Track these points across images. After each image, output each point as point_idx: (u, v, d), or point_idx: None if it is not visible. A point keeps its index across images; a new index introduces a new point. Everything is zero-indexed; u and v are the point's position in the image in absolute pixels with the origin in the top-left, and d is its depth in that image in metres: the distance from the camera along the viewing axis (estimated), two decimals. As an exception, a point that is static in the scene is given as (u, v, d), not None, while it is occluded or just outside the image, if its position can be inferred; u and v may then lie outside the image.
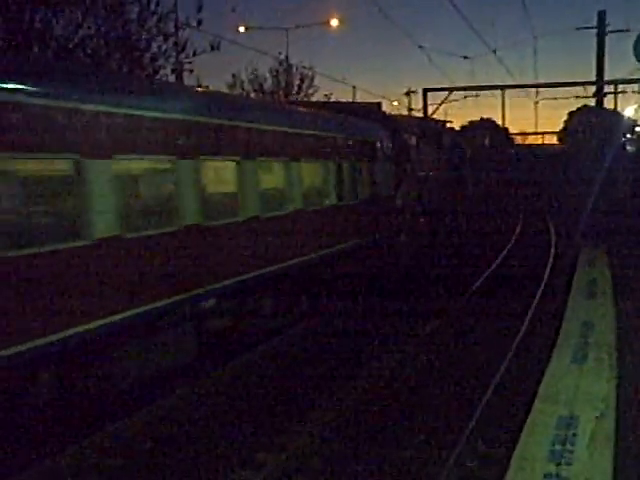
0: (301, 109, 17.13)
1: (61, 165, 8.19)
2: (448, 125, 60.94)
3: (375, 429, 9.42)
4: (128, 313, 8.92)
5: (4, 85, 7.43)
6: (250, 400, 10.62)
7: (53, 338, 7.77)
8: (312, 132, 15.16)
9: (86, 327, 8.23)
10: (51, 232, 7.98)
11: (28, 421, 8.16)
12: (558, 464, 6.70)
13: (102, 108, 8.66)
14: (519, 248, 29.39)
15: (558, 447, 7.08)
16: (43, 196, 8.00)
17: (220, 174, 11.77)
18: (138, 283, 9.15)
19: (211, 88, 25.95)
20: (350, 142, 17.46)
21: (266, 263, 12.62)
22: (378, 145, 19.30)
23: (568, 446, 7.10)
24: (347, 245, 16.74)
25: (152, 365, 9.76)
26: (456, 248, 27.17)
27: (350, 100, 46.15)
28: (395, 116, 28.61)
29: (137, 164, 9.56)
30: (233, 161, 11.76)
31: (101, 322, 8.45)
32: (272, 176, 13.48)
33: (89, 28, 19.31)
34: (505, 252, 27.76)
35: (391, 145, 20.39)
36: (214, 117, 11.22)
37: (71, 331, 8.02)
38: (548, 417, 7.87)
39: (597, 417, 7.84)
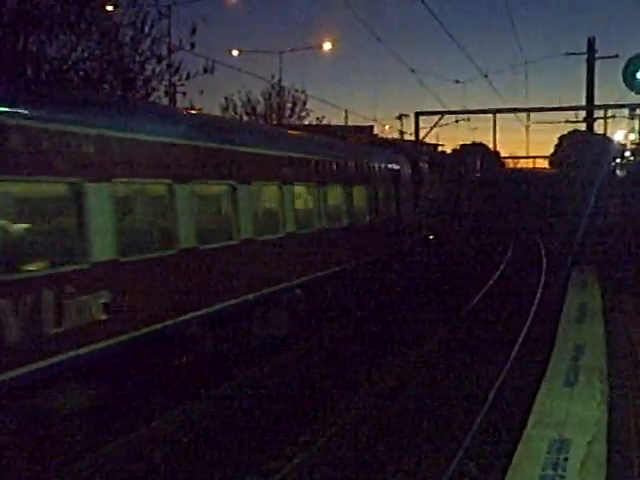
0: (341, 142, 21.35)
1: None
2: (440, 149, 61.32)
3: (362, 457, 9.38)
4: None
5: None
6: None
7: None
8: (356, 161, 18.66)
9: None
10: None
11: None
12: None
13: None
14: (511, 270, 29.47)
15: (550, 472, 7.07)
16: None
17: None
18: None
19: (204, 111, 26.05)
20: (383, 169, 20.99)
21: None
22: (402, 172, 22.74)
23: (560, 471, 7.09)
24: (384, 253, 20.32)
25: None
26: (453, 267, 27.83)
27: (342, 124, 46.38)
28: (413, 146, 32.65)
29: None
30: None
31: None
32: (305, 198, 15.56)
33: (83, 51, 19.36)
34: (498, 273, 27.87)
35: (410, 171, 23.75)
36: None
37: None
38: (540, 441, 7.87)
39: (589, 441, 7.84)
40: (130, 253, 9.09)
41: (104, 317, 8.52)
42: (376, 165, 20.29)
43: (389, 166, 21.52)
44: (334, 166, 16.67)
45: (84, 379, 8.48)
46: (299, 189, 14.82)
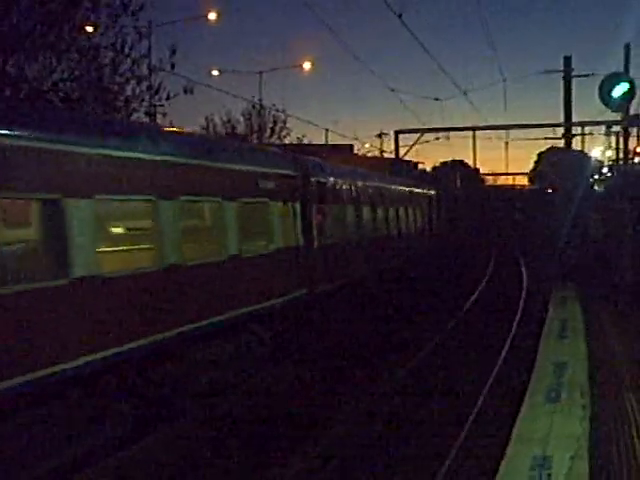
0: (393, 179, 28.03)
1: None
2: (420, 166, 61.58)
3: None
4: None
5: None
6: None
7: None
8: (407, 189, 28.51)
9: None
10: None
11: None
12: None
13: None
14: (492, 286, 29.66)
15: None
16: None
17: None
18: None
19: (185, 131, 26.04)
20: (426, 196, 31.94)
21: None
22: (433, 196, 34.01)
23: (543, 487, 7.11)
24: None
25: None
26: (436, 282, 28.26)
27: (323, 142, 46.51)
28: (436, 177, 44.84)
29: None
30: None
31: None
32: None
33: (63, 72, 19.36)
34: (479, 289, 28.07)
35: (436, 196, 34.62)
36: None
37: None
38: (523, 458, 7.87)
39: (571, 457, 7.86)
40: None
41: None
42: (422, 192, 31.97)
43: (429, 194, 33.32)
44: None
45: None
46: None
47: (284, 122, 41.71)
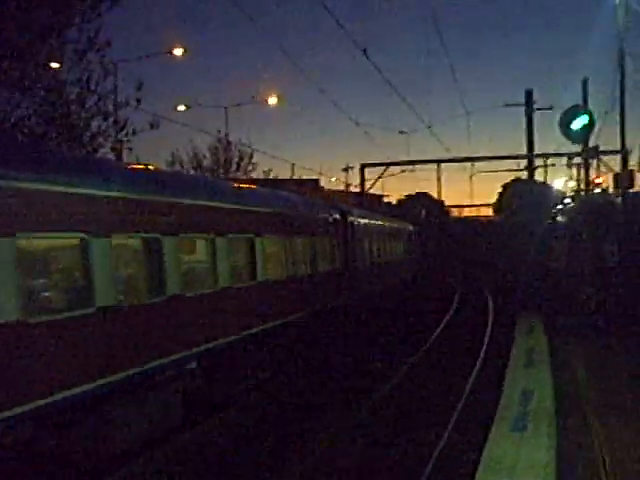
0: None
1: None
2: (385, 199, 62.11)
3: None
4: None
5: None
6: None
7: None
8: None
9: None
10: None
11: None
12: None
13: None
14: (458, 317, 29.87)
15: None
16: None
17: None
18: None
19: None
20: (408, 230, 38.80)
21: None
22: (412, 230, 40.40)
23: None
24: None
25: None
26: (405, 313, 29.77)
27: (289, 177, 46.79)
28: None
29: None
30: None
31: None
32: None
33: (27, 108, 19.32)
34: (445, 321, 28.22)
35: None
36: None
37: None
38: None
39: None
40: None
41: None
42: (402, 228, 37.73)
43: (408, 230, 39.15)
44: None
45: None
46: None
47: (250, 156, 41.95)
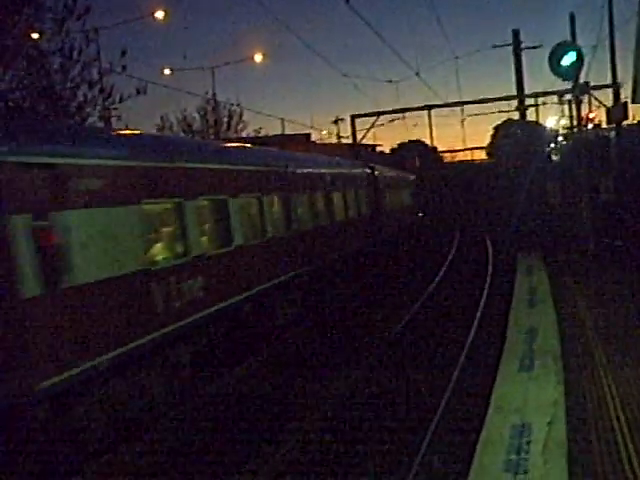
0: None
1: None
2: (378, 149, 61.82)
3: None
4: None
5: None
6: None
7: None
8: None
9: None
10: None
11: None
12: (516, 473, 6.86)
13: None
14: (458, 261, 30.06)
15: (513, 456, 7.24)
16: None
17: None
18: None
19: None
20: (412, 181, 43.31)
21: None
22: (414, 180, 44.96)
23: (523, 454, 7.27)
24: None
25: None
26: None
27: (280, 133, 46.47)
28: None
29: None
30: None
31: None
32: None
33: (11, 81, 19.07)
34: (447, 263, 28.56)
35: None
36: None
37: None
38: (502, 427, 8.04)
39: (548, 423, 8.04)
40: None
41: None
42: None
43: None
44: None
45: None
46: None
47: (240, 116, 41.61)
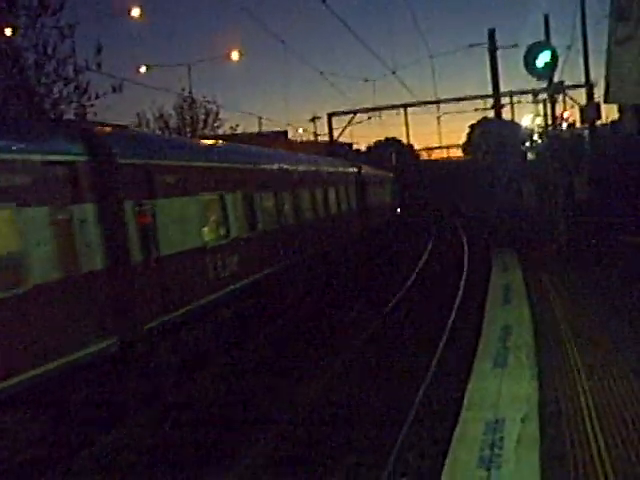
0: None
1: None
2: (354, 147, 61.91)
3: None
4: None
5: None
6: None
7: None
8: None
9: None
10: None
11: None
12: (488, 469, 6.93)
13: None
14: (436, 255, 30.39)
15: (487, 452, 7.31)
16: None
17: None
18: None
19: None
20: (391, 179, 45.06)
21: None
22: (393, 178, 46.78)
23: (496, 450, 7.34)
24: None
25: None
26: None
27: (257, 131, 46.37)
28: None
29: None
30: None
31: None
32: None
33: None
34: (423, 261, 28.77)
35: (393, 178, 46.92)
36: None
37: None
38: (476, 423, 8.11)
39: (522, 419, 8.12)
40: None
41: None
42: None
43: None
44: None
45: None
46: None
47: (217, 114, 41.44)
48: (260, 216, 17.23)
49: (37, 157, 9.50)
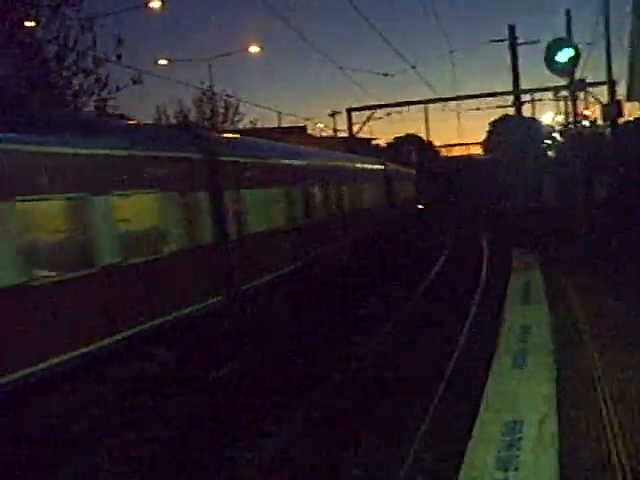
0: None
1: None
2: (373, 142, 61.73)
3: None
4: None
5: None
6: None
7: None
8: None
9: None
10: None
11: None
12: (506, 470, 6.84)
13: None
14: (456, 254, 30.27)
15: (505, 453, 7.22)
16: None
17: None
18: None
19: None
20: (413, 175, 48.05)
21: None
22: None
23: (514, 451, 7.25)
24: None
25: None
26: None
27: (276, 125, 46.32)
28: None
29: None
30: None
31: None
32: None
33: (6, 70, 18.96)
34: (443, 258, 28.77)
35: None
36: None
37: None
38: (494, 424, 8.02)
39: (540, 420, 8.02)
40: None
41: None
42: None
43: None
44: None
45: None
46: None
47: (236, 108, 41.45)
48: (316, 206, 20.48)
49: (172, 154, 12.40)
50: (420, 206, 47.16)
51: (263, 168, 16.73)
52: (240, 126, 41.46)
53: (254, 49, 35.59)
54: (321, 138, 53.33)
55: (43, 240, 9.27)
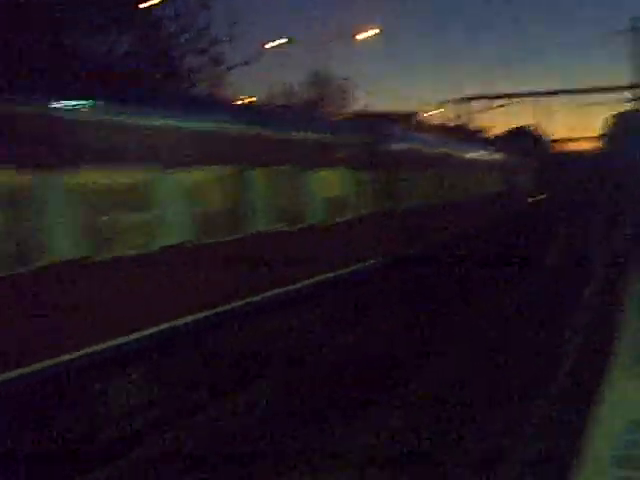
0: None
1: None
2: (479, 135, 60.44)
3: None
4: None
5: None
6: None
7: None
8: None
9: None
10: None
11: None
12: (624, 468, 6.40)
13: None
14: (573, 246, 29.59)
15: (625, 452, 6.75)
16: None
17: None
18: None
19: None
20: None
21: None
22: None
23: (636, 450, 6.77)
24: None
25: None
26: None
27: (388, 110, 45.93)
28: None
29: None
30: None
31: None
32: None
33: (127, 46, 19.40)
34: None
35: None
36: None
37: None
38: (616, 421, 7.53)
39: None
40: None
41: None
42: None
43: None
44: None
45: None
46: None
47: (349, 91, 41.21)
48: (460, 188, 22.45)
49: (354, 140, 15.10)
50: (533, 198, 45.59)
51: (418, 156, 19.20)
52: (351, 110, 41.32)
53: (371, 33, 35.13)
54: (431, 126, 52.61)
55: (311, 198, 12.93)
